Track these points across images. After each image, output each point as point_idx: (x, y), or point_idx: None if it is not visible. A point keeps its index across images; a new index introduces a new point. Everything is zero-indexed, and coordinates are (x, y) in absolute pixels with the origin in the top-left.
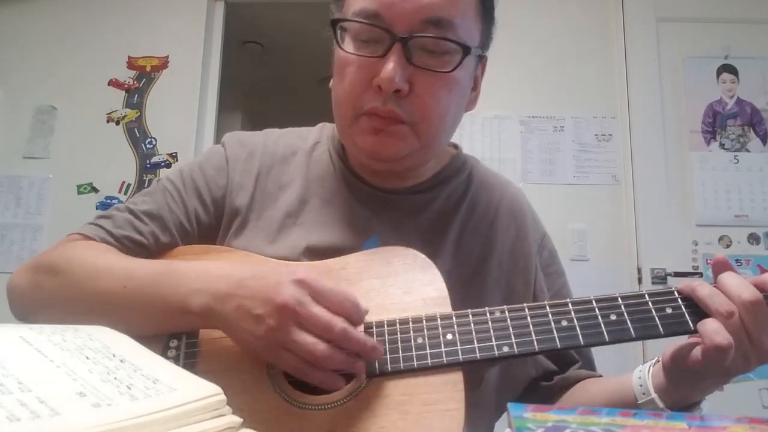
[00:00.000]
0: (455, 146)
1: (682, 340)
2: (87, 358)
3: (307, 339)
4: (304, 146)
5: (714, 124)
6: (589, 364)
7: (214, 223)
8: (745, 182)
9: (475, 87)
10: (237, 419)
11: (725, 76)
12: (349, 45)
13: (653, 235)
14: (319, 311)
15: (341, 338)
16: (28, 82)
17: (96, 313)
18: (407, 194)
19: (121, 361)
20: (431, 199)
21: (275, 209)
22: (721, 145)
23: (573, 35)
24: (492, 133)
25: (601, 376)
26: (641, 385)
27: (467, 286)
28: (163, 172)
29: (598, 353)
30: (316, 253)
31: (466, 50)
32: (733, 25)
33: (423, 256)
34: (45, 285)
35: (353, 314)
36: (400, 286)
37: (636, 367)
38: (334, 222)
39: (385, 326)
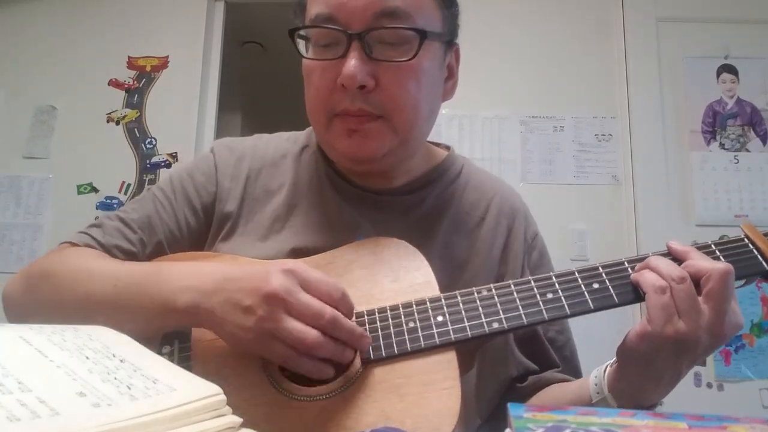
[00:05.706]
0: (448, 147)
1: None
2: (87, 358)
3: (297, 326)
4: (294, 150)
5: (714, 124)
6: (573, 372)
7: (203, 229)
8: (745, 182)
9: (451, 75)
10: (237, 419)
11: (725, 76)
12: (311, 52)
13: (653, 235)
14: (308, 299)
15: (331, 326)
16: (28, 82)
17: (87, 314)
18: (396, 194)
19: (121, 361)
20: (420, 199)
21: (263, 214)
22: (721, 145)
23: (573, 35)
24: (492, 133)
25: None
26: (596, 384)
27: (454, 287)
28: (163, 172)
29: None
30: (300, 254)
31: (422, 35)
32: (733, 25)
33: (407, 243)
34: (38, 289)
35: (341, 304)
36: (387, 275)
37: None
38: (321, 224)
39: (377, 314)
